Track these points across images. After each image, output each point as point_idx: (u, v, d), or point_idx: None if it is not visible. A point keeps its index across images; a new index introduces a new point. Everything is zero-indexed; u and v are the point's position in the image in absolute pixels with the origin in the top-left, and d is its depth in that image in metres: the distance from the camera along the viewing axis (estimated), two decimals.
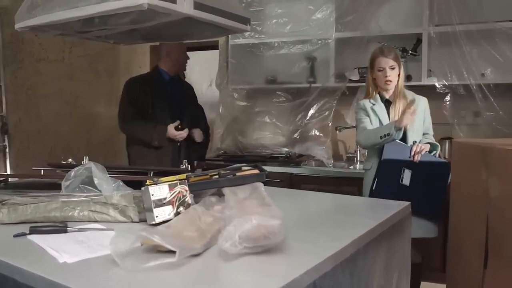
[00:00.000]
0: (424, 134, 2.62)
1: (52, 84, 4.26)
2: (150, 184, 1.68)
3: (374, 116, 2.59)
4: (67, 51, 4.42)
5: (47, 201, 1.56)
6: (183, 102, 3.19)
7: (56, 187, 2.24)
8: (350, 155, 3.81)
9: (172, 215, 1.52)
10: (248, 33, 3.67)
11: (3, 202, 1.52)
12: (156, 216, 1.48)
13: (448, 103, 3.27)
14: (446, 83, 3.24)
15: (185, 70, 3.30)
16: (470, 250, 1.96)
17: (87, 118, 4.63)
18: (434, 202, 2.43)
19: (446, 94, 3.27)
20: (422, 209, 2.29)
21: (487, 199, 1.80)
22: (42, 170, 2.29)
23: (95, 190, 1.75)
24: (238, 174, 1.80)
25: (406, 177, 2.40)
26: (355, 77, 3.54)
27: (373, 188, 2.48)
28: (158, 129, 3.03)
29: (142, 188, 1.50)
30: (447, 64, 3.23)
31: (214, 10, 1.93)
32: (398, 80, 2.56)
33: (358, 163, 3.67)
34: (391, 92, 2.60)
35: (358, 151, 3.72)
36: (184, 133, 3.04)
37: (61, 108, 4.37)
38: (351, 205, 1.90)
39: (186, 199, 1.57)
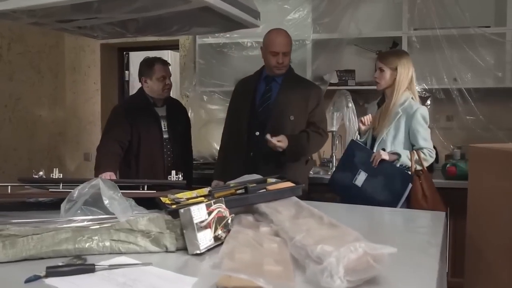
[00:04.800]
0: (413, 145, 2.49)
1: None
2: (173, 203, 1.42)
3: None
4: (5, 47, 3.86)
5: (52, 230, 1.23)
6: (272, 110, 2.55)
7: (27, 207, 1.87)
8: (325, 160, 3.70)
9: (212, 240, 1.27)
10: None
11: None
12: (200, 244, 1.22)
13: (429, 107, 3.27)
14: (426, 87, 3.24)
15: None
16: (496, 259, 1.90)
17: (29, 123, 4.10)
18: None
19: (426, 98, 3.27)
20: None
21: None
22: (10, 187, 1.89)
23: (101, 212, 1.44)
24: (270, 188, 1.58)
25: (360, 179, 2.41)
26: (334, 80, 3.43)
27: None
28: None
29: (181, 210, 1.23)
30: (427, 68, 3.22)
31: (232, 1, 1.70)
32: (394, 84, 2.45)
33: (334, 168, 3.56)
34: (388, 93, 2.51)
35: (334, 156, 3.61)
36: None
37: None
38: (391, 218, 1.77)
39: (229, 221, 1.31)
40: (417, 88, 3.22)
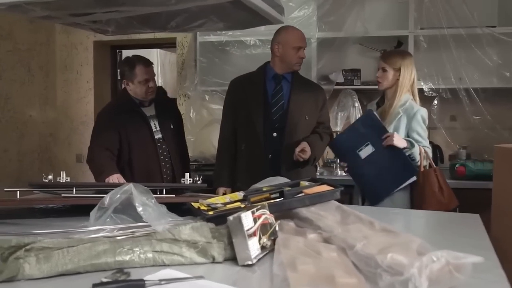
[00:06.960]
0: None
1: None
2: (209, 209, 1.33)
3: None
4: None
5: (88, 241, 1.12)
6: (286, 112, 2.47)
7: (39, 214, 1.75)
8: (329, 161, 3.64)
9: (259, 249, 1.18)
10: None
11: (27, 248, 1.06)
12: (251, 254, 1.13)
13: (435, 107, 3.25)
14: (433, 87, 3.21)
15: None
16: None
17: (19, 123, 3.92)
18: (381, 190, 2.35)
19: (433, 98, 3.25)
20: (368, 189, 2.37)
21: None
22: (18, 192, 1.76)
23: (131, 219, 1.34)
24: (307, 191, 1.50)
25: (366, 151, 2.34)
26: (340, 79, 3.38)
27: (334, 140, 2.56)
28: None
29: (230, 218, 1.14)
30: (433, 68, 3.20)
31: None
32: (397, 85, 2.41)
33: (338, 169, 3.51)
34: (388, 94, 2.47)
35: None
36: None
37: None
38: (425, 220, 1.71)
39: (276, 229, 1.23)
40: (423, 87, 3.22)
